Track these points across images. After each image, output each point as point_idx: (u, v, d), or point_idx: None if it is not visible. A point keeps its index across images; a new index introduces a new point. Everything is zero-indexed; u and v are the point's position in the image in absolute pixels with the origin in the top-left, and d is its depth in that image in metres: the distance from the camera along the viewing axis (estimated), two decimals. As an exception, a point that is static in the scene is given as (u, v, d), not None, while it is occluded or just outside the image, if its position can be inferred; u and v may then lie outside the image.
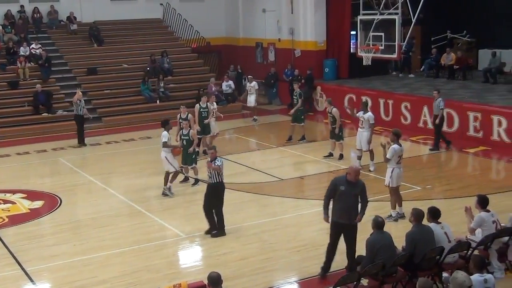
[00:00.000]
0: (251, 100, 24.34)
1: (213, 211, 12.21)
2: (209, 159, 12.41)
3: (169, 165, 15.04)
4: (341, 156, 17.76)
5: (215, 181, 12.16)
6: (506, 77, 23.58)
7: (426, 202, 13.04)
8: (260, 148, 19.75)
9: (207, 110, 18.53)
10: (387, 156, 12.63)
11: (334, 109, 17.66)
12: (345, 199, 9.88)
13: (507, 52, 24.76)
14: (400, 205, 12.83)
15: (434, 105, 18.50)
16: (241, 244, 11.88)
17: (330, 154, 18.03)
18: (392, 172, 12.64)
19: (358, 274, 8.84)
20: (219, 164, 12.07)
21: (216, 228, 12.24)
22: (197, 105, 18.65)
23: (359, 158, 16.69)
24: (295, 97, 20.20)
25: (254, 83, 24.62)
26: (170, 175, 15.07)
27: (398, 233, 10.45)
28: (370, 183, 15.72)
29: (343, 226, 9.98)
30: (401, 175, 12.84)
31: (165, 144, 14.90)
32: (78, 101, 20.80)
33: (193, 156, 15.80)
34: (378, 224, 9.26)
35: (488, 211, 10.07)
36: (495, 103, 19.95)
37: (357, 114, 16.86)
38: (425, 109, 21.02)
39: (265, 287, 10.10)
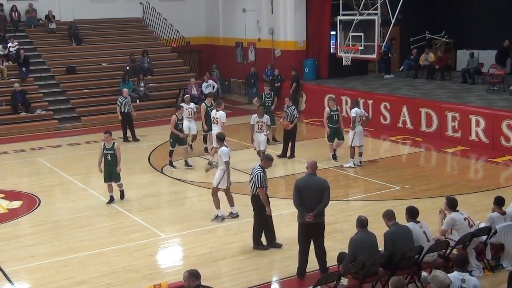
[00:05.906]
0: (192, 127, 18.77)
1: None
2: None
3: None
4: None
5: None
6: (484, 78, 23.81)
7: (405, 201, 13.16)
8: (240, 148, 19.70)
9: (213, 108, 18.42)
10: (224, 160, 12.92)
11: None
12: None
13: (485, 53, 25.03)
14: (233, 205, 13.23)
15: (287, 113, 18.07)
16: (221, 244, 11.87)
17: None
18: (223, 173, 12.95)
19: (338, 273, 8.88)
20: None
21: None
22: (203, 104, 19.04)
23: (360, 154, 17.31)
24: (268, 99, 20.15)
25: (192, 104, 19.02)
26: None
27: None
28: (351, 182, 15.95)
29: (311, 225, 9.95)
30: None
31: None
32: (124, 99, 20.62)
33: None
34: (362, 223, 9.31)
35: (457, 211, 10.19)
36: (473, 103, 20.15)
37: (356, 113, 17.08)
38: (404, 109, 21.18)
39: (245, 287, 10.10)
